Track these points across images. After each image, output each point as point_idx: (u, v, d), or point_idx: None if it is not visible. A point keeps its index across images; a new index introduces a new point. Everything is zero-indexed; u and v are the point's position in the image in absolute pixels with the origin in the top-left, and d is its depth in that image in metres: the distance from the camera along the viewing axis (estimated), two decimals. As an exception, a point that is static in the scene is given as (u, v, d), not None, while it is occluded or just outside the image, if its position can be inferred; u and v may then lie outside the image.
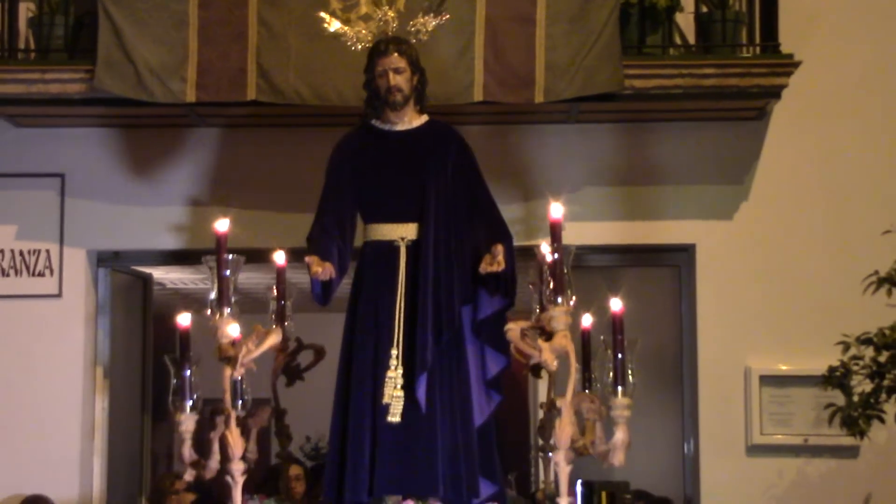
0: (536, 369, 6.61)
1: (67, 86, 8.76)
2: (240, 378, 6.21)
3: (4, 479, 9.05)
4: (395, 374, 6.46)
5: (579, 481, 5.18)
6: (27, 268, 9.33)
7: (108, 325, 9.71)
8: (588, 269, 8.37)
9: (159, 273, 10.81)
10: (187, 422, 6.04)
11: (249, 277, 6.99)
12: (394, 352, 6.50)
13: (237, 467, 6.06)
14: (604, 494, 5.08)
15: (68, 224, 9.36)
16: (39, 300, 9.31)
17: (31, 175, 9.39)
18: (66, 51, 8.95)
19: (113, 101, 8.76)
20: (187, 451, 6.09)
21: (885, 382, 7.85)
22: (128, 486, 10.12)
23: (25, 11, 9.07)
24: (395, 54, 6.73)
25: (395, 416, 6.44)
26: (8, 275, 9.32)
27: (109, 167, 9.39)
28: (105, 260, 9.64)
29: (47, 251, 9.35)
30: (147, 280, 10.51)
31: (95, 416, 9.54)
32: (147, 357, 10.48)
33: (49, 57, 8.94)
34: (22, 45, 9.06)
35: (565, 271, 6.00)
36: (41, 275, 9.33)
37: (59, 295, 9.33)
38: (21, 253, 9.35)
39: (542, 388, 7.85)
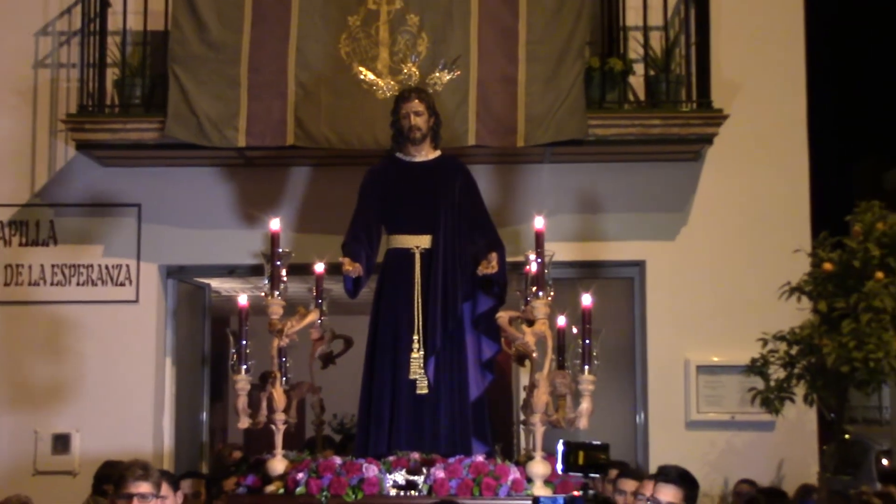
0: (521, 359, 6.62)
1: (144, 134, 8.90)
2: (285, 344, 6.29)
3: (94, 443, 9.08)
4: (418, 356, 6.55)
5: (560, 441, 5.21)
6: (111, 279, 9.40)
7: (175, 324, 9.80)
8: (559, 280, 8.46)
9: (216, 283, 10.82)
10: (242, 381, 6.14)
11: (292, 287, 7.04)
12: (415, 337, 6.57)
13: (279, 417, 6.19)
14: (581, 454, 5.09)
15: (144, 244, 9.42)
16: (121, 305, 9.39)
17: (114, 205, 9.46)
18: (143, 106, 9.04)
19: (180, 146, 8.86)
20: (242, 404, 6.17)
21: (796, 371, 7.95)
22: (190, 451, 10.17)
23: (111, 75, 9.17)
24: (416, 100, 6.78)
25: (422, 389, 6.54)
26: (96, 284, 9.40)
27: (177, 198, 9.46)
28: (173, 273, 9.72)
29: (127, 266, 9.42)
30: (206, 289, 10.56)
31: (165, 397, 9.62)
32: (206, 350, 10.52)
33: (129, 111, 9.04)
34: (108, 102, 9.15)
35: (545, 271, 6.09)
36: (122, 285, 9.41)
37: (136, 301, 9.40)
38: (106, 267, 9.42)
39: (524, 376, 7.96)
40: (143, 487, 5.01)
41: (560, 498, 5.01)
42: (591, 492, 5.91)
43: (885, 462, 13.14)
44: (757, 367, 8.12)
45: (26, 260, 9.43)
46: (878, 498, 8.01)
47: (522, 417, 6.60)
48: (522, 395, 6.78)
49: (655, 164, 9.31)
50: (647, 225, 9.36)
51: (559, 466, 5.77)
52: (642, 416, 9.47)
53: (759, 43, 9.46)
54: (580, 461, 4.94)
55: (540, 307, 6.04)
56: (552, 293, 6.15)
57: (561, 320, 6.59)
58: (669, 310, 9.32)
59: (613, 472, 7.25)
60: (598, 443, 5.28)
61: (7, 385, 9.29)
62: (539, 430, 6.00)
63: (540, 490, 5.86)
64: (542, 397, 5.99)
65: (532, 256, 6.15)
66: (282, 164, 9.39)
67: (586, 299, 6.09)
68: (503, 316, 6.24)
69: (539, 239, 6.10)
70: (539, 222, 6.14)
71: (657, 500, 5.32)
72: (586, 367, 6.07)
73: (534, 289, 6.11)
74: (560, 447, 5.08)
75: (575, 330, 6.25)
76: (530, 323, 6.09)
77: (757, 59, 9.43)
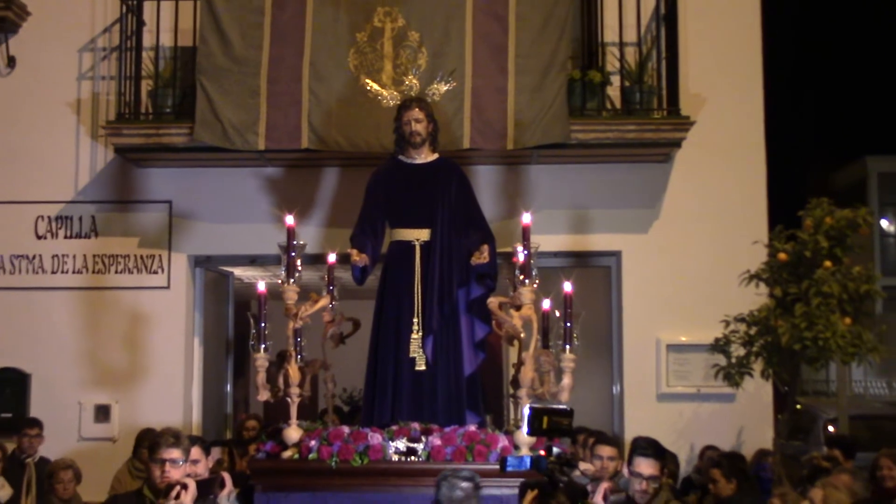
0: (510, 339, 6.55)
1: (174, 138, 8.85)
2: (299, 326, 6.23)
3: (131, 413, 9.10)
4: (417, 336, 6.52)
5: (527, 406, 5.09)
6: (146, 267, 9.36)
7: (202, 308, 9.74)
8: (543, 269, 8.47)
9: (239, 271, 10.78)
10: (261, 359, 6.08)
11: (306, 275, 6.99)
12: (415, 320, 6.53)
13: (294, 391, 6.12)
14: (545, 419, 4.96)
15: (174, 236, 9.39)
16: (154, 291, 9.34)
17: (148, 201, 9.44)
18: (173, 113, 8.99)
19: (206, 149, 8.81)
20: (261, 380, 6.11)
21: (754, 349, 7.97)
22: (216, 421, 10.16)
23: (146, 86, 9.12)
24: (417, 109, 6.75)
25: (420, 366, 6.50)
26: (132, 272, 9.36)
27: (204, 195, 9.41)
28: (200, 262, 9.66)
29: (159, 256, 9.38)
30: (230, 276, 10.54)
31: (194, 372, 9.58)
32: (230, 331, 10.48)
33: (162, 118, 8.98)
34: (143, 110, 9.09)
35: (531, 261, 6.04)
36: (155, 272, 9.36)
37: (167, 287, 9.36)
38: (141, 257, 9.37)
39: (512, 354, 7.92)
40: (174, 453, 4.99)
41: (526, 458, 4.91)
42: (555, 450, 5.79)
43: (831, 429, 13.15)
44: (720, 346, 8.14)
45: (70, 251, 9.40)
46: (825, 461, 7.99)
47: (511, 391, 6.56)
48: (511, 371, 6.75)
49: (630, 165, 9.25)
50: (622, 219, 9.30)
51: (524, 429, 5.67)
52: (618, 389, 9.41)
53: (723, 58, 9.42)
54: (544, 426, 4.82)
55: (526, 293, 5.99)
56: (537, 281, 6.11)
57: (545, 304, 6.56)
58: (643, 295, 9.27)
59: (591, 440, 7.20)
60: (563, 407, 5.13)
61: (54, 362, 9.26)
62: (526, 403, 5.92)
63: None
64: (528, 374, 5.96)
65: (520, 248, 6.09)
66: (297, 165, 9.32)
67: (568, 286, 6.04)
68: (493, 301, 6.20)
69: (526, 232, 6.04)
70: (526, 217, 6.09)
71: (638, 473, 5.24)
72: (568, 346, 6.03)
73: (521, 277, 6.05)
74: (526, 411, 4.97)
75: (558, 313, 6.21)
76: (518, 307, 6.04)
77: (720, 72, 9.38)
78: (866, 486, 6.90)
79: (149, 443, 5.24)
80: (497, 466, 5.74)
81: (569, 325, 6.00)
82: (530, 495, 4.63)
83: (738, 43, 9.48)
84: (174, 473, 4.93)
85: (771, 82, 9.66)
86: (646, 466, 5.24)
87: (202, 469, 5.62)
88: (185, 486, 4.77)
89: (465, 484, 4.76)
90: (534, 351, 6.02)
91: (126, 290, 9.33)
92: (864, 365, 7.99)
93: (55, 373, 9.23)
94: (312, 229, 9.05)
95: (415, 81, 6.99)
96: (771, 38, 9.86)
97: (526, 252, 6.00)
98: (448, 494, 4.75)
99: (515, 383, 6.19)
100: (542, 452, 4.73)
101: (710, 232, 9.24)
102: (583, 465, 6.37)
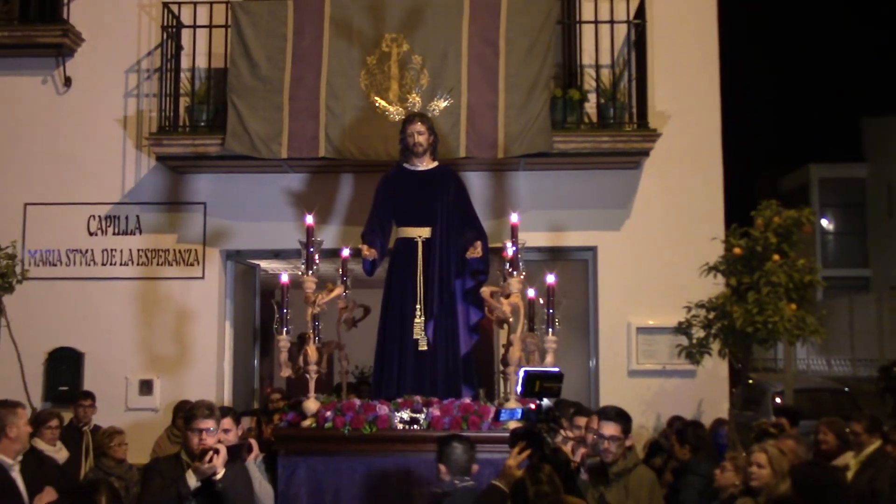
0: (500, 323, 6.56)
1: (208, 148, 8.83)
2: (317, 312, 6.19)
3: (171, 388, 9.08)
4: (420, 321, 6.46)
5: (522, 369, 5.07)
6: (183, 260, 9.34)
7: (233, 296, 9.70)
8: (529, 262, 8.41)
9: (265, 264, 10.72)
10: (283, 341, 6.04)
11: (323, 267, 6.93)
12: (418, 306, 6.48)
13: (313, 368, 6.09)
14: (538, 383, 4.96)
15: (209, 233, 9.36)
16: (191, 281, 9.32)
17: (185, 203, 9.41)
18: (208, 126, 8.97)
19: (236, 157, 8.77)
20: (284, 358, 6.07)
21: (712, 331, 7.95)
22: (244, 394, 10.11)
23: (183, 102, 9.10)
24: (419, 122, 6.71)
25: (423, 346, 6.46)
26: (172, 265, 9.34)
27: (235, 197, 9.38)
28: (231, 255, 9.62)
29: (196, 250, 9.35)
30: (257, 268, 10.47)
31: (225, 352, 9.54)
32: (257, 316, 10.45)
33: (197, 130, 8.96)
34: (181, 123, 9.06)
35: (519, 255, 6.01)
36: (191, 265, 9.33)
37: (202, 278, 9.33)
38: (179, 251, 9.36)
39: (503, 337, 7.89)
40: (209, 423, 4.97)
41: (518, 410, 4.89)
42: (545, 402, 5.75)
43: (778, 400, 13.18)
44: (682, 329, 8.12)
45: (118, 246, 9.38)
46: (773, 428, 7.98)
47: (501, 368, 6.54)
48: (501, 351, 6.73)
49: (605, 172, 9.21)
50: (598, 218, 9.27)
51: (518, 389, 5.65)
52: (594, 366, 9.38)
53: (685, 79, 9.39)
54: (537, 388, 4.80)
55: (514, 283, 5.96)
56: (524, 272, 6.07)
57: (531, 293, 6.57)
58: (615, 284, 9.24)
59: (570, 410, 7.17)
60: (555, 370, 5.12)
61: (105, 342, 9.24)
62: (514, 379, 5.90)
63: (513, 426, 5.78)
64: (516, 353, 5.94)
65: (509, 244, 6.06)
66: (315, 171, 9.29)
67: (551, 277, 6.05)
68: (485, 290, 6.18)
69: (514, 230, 6.01)
70: (514, 217, 6.07)
71: (602, 434, 5.32)
72: (550, 329, 6.03)
73: (510, 269, 6.02)
74: (521, 374, 4.97)
75: (542, 301, 6.22)
76: (507, 296, 6.01)
77: (683, 91, 9.36)
78: (809, 449, 6.91)
79: (185, 413, 5.22)
80: (489, 434, 5.76)
81: (551, 311, 6.01)
82: (518, 447, 4.61)
83: (699, 66, 9.45)
84: (208, 440, 4.92)
85: (727, 100, 9.65)
86: (608, 428, 5.35)
87: (233, 437, 5.60)
88: (217, 451, 4.76)
89: (458, 444, 4.88)
90: (521, 333, 6.00)
91: (166, 281, 9.31)
92: (807, 345, 8.02)
93: (105, 352, 9.22)
94: (329, 227, 9.03)
95: (417, 99, 6.96)
96: (728, 61, 9.85)
97: (514, 247, 5.97)
98: (446, 451, 4.87)
99: (505, 361, 6.17)
100: (533, 406, 4.73)
101: (675, 229, 9.21)
102: (564, 433, 6.37)
